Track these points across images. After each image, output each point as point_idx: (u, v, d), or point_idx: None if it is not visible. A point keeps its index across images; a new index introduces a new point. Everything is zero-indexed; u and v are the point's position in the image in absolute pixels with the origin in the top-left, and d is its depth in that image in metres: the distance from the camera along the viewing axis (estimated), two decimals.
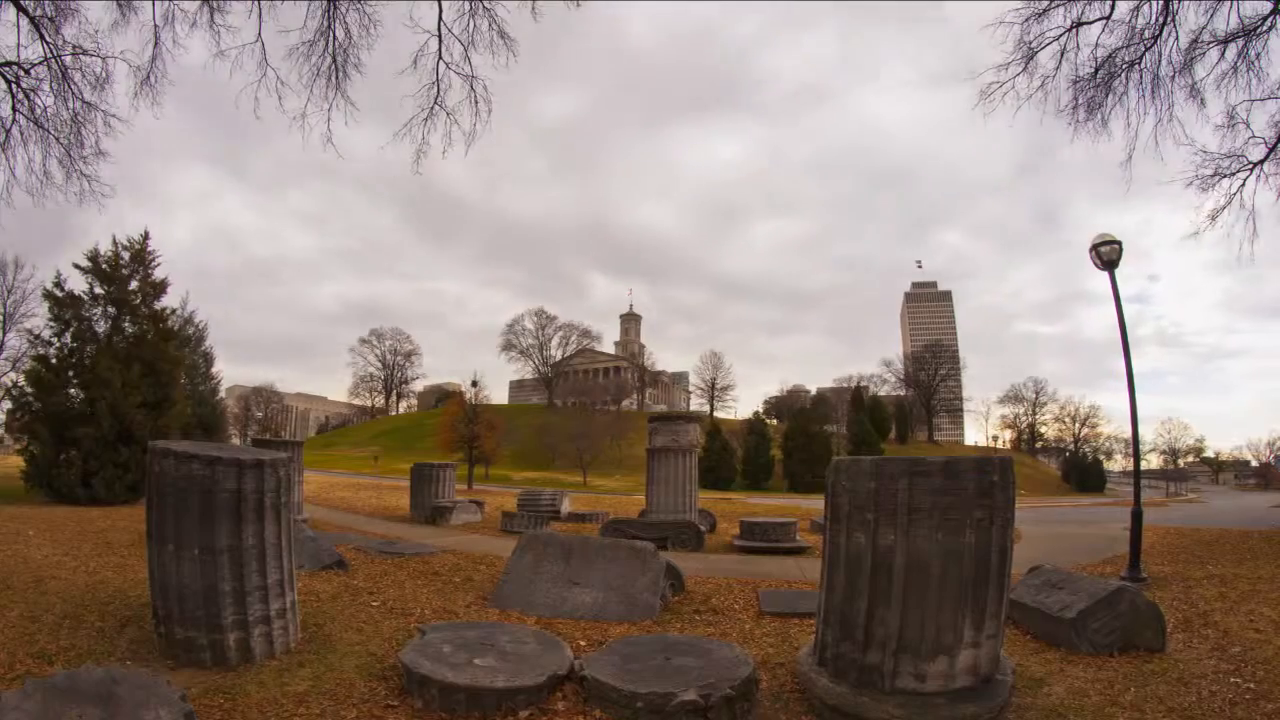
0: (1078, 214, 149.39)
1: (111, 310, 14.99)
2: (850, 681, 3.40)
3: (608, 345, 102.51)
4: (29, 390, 14.31)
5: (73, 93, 9.20)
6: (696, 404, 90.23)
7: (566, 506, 15.83)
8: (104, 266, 14.82)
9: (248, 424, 77.51)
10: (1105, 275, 8.12)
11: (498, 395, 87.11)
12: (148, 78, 8.63)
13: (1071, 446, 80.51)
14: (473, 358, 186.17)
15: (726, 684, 3.40)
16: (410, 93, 8.58)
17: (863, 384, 79.68)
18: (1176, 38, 9.53)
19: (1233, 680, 3.96)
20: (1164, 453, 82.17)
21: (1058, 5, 9.60)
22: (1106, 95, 10.01)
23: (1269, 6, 9.16)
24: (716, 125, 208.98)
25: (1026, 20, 9.68)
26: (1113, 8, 9.57)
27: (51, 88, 9.20)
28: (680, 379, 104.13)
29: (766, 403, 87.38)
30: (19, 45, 8.79)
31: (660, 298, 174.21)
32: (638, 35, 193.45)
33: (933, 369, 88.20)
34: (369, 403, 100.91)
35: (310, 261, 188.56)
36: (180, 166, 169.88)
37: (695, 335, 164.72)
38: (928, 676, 3.25)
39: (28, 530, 8.72)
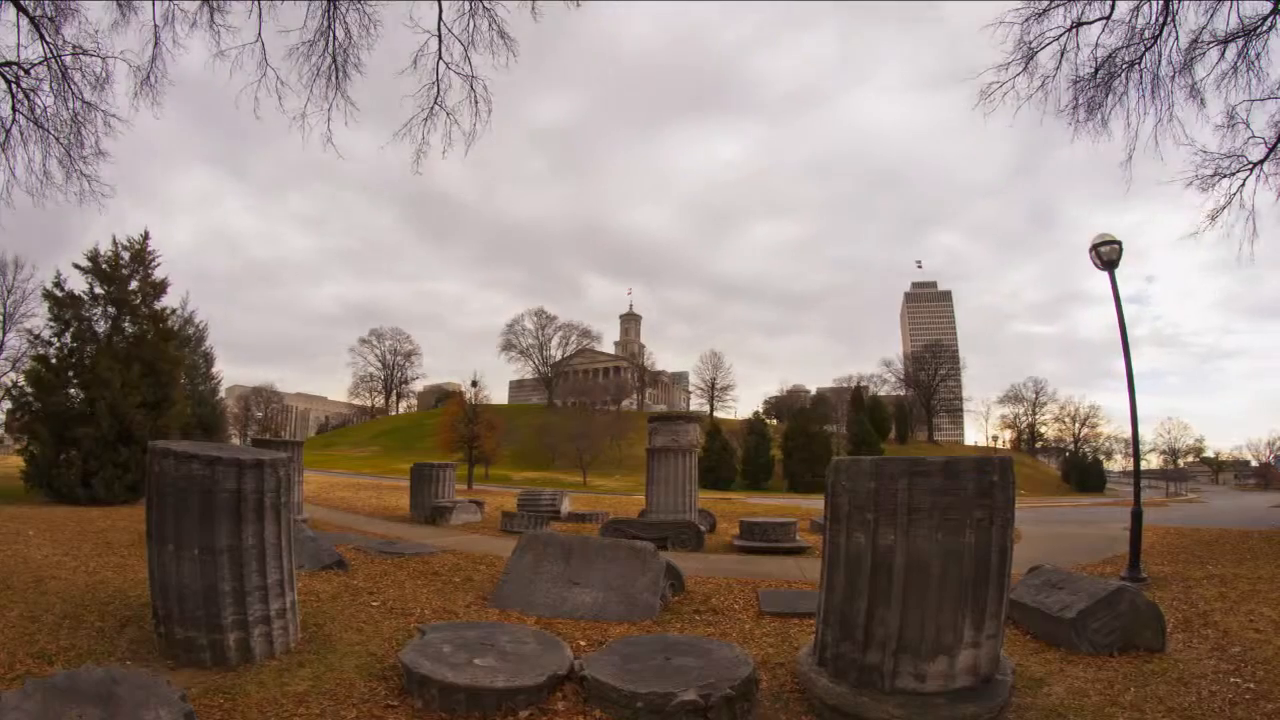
0: (1073, 215, 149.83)
1: (111, 310, 14.98)
2: (850, 681, 3.40)
3: (607, 345, 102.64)
4: (29, 390, 14.30)
5: (73, 93, 9.21)
6: (696, 404, 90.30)
7: (566, 506, 15.83)
8: (104, 266, 14.81)
9: (248, 424, 77.49)
10: (1102, 275, 8.13)
11: (498, 395, 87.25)
12: (148, 78, 8.64)
13: (1071, 446, 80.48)
14: (472, 358, 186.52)
15: (726, 684, 3.40)
16: (410, 93, 8.59)
17: (862, 384, 79.71)
18: (1176, 38, 9.54)
19: (1233, 680, 3.96)
20: (1164, 453, 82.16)
21: (1058, 5, 9.60)
22: (1106, 95, 10.01)
23: (1269, 6, 9.16)
24: (714, 126, 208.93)
25: (1026, 20, 9.69)
26: (1113, 8, 9.58)
27: (51, 88, 9.21)
28: (680, 379, 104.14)
29: (766, 403, 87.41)
30: (19, 45, 8.81)
31: (659, 298, 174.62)
32: (635, 36, 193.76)
33: (932, 369, 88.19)
34: (369, 403, 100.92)
35: (310, 263, 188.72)
36: (180, 168, 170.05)
37: (694, 336, 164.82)
38: (928, 676, 3.25)
39: (28, 530, 8.71)
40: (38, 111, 9.35)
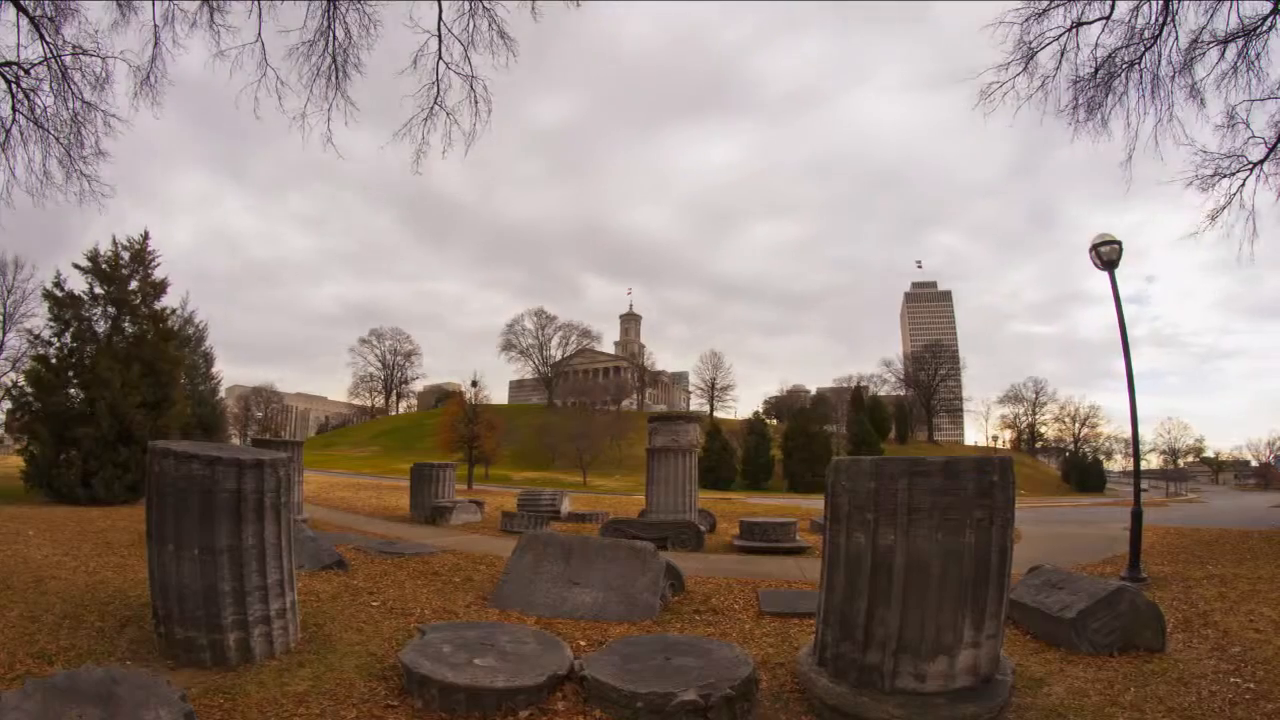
0: (1073, 215, 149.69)
1: (111, 310, 14.99)
2: (850, 681, 3.40)
3: (607, 345, 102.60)
4: (29, 390, 14.30)
5: (73, 93, 9.21)
6: (696, 404, 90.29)
7: (566, 506, 15.83)
8: (104, 266, 14.81)
9: (248, 424, 77.49)
10: (1102, 275, 8.14)
11: (498, 395, 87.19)
12: (148, 78, 8.65)
13: (1071, 446, 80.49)
14: (472, 358, 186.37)
15: (726, 684, 3.40)
16: (410, 93, 8.60)
17: (862, 384, 79.70)
18: (1176, 38, 9.54)
19: (1233, 680, 3.97)
20: (1164, 453, 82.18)
21: (1058, 5, 9.61)
22: (1106, 95, 10.02)
23: (1269, 6, 9.17)
24: (713, 126, 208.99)
25: (1026, 20, 9.70)
26: (1113, 8, 9.58)
27: (51, 88, 9.22)
28: (680, 379, 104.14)
29: (766, 403, 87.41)
30: (19, 45, 8.81)
31: (658, 298, 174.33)
32: (635, 36, 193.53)
33: (932, 369, 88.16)
34: (369, 403, 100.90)
35: (310, 263, 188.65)
36: (180, 168, 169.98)
37: (693, 336, 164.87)
38: (928, 676, 3.25)
39: (28, 530, 8.71)
40: (38, 111, 9.36)
